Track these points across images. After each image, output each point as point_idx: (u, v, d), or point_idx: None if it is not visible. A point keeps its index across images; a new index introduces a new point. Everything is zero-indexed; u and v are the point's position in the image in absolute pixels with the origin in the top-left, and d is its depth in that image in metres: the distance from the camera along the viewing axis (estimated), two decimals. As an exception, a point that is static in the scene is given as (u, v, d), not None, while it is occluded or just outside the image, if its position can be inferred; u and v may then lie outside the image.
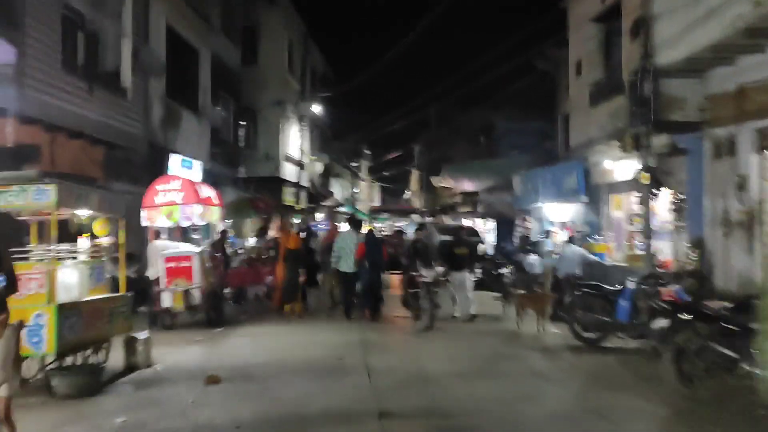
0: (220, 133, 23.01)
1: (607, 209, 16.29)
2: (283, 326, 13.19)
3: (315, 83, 33.21)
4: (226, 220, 21.45)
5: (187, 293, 12.65)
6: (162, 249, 13.13)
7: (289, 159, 28.80)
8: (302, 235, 17.77)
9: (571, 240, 15.35)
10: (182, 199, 12.77)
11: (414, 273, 13.31)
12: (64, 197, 7.73)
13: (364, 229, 17.72)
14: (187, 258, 12.78)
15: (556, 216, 19.22)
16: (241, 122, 26.50)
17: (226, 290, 15.81)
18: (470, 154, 34.06)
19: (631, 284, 10.13)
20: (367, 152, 48.53)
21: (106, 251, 9.16)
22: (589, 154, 15.98)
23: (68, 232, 9.57)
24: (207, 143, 21.33)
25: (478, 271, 25.06)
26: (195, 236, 15.24)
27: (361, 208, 46.68)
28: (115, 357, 9.12)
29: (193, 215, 12.83)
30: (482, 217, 29.65)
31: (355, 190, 45.18)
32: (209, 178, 18.66)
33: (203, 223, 13.39)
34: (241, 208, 19.96)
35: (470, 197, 30.83)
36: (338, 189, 42.01)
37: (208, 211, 13.33)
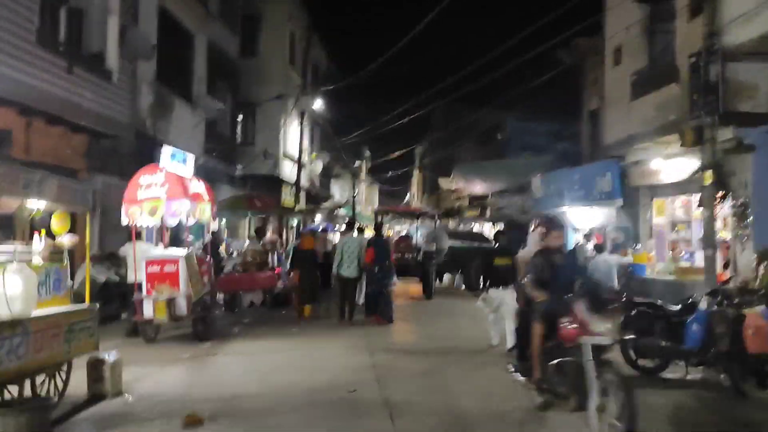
0: (215, 126, 21.17)
1: (647, 214, 14.49)
2: (281, 341, 11.34)
3: (317, 79, 31.36)
4: (219, 220, 19.63)
5: (171, 302, 10.78)
6: (144, 251, 11.32)
7: (288, 157, 26.94)
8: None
9: (600, 248, 13.54)
10: (167, 193, 10.90)
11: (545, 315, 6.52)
12: (4, 184, 5.90)
13: (368, 233, 16.30)
14: (173, 262, 10.92)
15: (582, 221, 17.40)
16: (238, 117, 24.66)
17: (218, 296, 14.01)
18: (478, 155, 32.30)
19: (703, 304, 8.27)
20: (367, 153, 46.62)
21: (63, 252, 7.27)
22: (628, 152, 14.18)
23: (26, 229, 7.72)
24: (201, 136, 19.49)
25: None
26: (187, 238, 13.33)
27: (361, 210, 44.84)
28: (79, 382, 7.30)
29: (180, 212, 10.95)
30: (491, 222, 27.89)
31: (354, 192, 43.26)
32: (203, 173, 16.77)
33: (192, 221, 11.54)
34: (237, 206, 18.07)
35: (479, 200, 29.06)
36: (337, 190, 40.15)
37: (197, 208, 11.46)
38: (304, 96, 27.26)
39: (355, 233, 14.84)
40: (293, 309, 15.35)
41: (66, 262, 7.36)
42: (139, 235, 12.10)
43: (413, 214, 22.55)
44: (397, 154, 37.81)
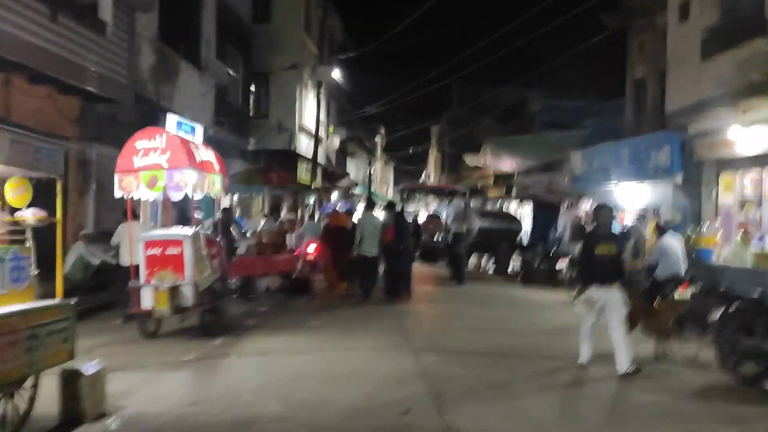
0: (226, 96, 19.18)
1: (711, 192, 12.50)
2: (304, 337, 9.48)
3: (333, 51, 29.30)
4: (232, 195, 17.73)
5: (174, 291, 8.94)
6: (141, 231, 9.49)
7: (304, 131, 24.98)
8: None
9: (664, 229, 11.55)
10: (169, 161, 9.01)
11: None
12: None
13: (388, 212, 14.67)
14: (176, 243, 9.05)
15: (632, 200, 15.42)
16: (251, 87, 22.66)
17: (231, 281, 12.20)
18: (501, 132, 30.32)
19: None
20: (382, 131, 44.54)
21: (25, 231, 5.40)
22: (691, 122, 12.17)
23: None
24: (211, 105, 17.55)
25: (516, 263, 21.58)
26: (194, 215, 11.45)
27: (376, 189, 42.96)
28: (50, 401, 5.49)
29: (186, 185, 9.05)
30: (518, 200, 25.86)
31: (370, 171, 41.34)
32: (212, 147, 14.93)
33: (200, 195, 9.65)
34: (252, 180, 16.10)
35: (504, 179, 27.05)
36: (353, 169, 38.23)
37: (206, 180, 9.57)
38: (321, 66, 25.19)
39: (377, 212, 14.52)
40: (313, 296, 13.61)
41: (30, 244, 5.49)
42: (135, 213, 10.24)
43: (443, 192, 20.56)
44: (414, 129, 35.90)
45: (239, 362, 7.96)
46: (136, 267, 9.12)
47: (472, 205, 19.24)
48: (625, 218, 16.44)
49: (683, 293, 10.81)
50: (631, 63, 17.72)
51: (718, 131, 11.45)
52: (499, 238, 20.43)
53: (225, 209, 13.35)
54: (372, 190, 40.78)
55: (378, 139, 44.36)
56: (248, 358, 8.12)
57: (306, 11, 24.85)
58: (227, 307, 10.34)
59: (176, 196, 9.54)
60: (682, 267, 11.00)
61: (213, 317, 9.55)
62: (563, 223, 22.16)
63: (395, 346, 8.77)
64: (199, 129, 14.53)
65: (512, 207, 26.40)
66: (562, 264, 16.60)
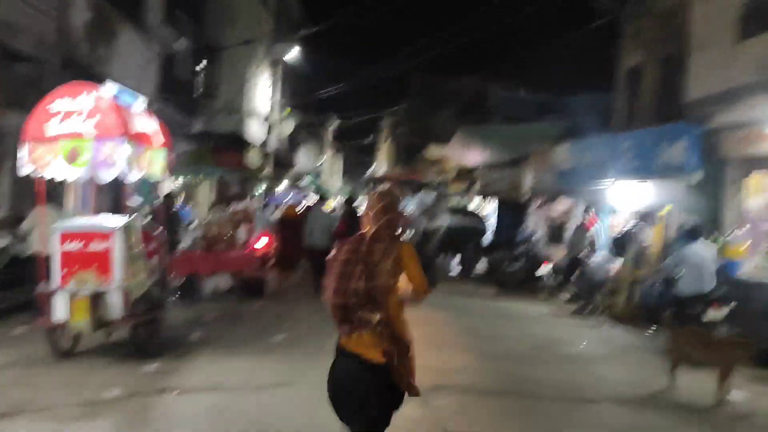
0: (173, 69, 16.74)
1: (736, 194, 10.82)
2: (266, 359, 7.35)
3: (290, 30, 26.90)
4: (176, 179, 15.31)
5: (98, 299, 6.70)
6: (56, 219, 7.21)
7: (255, 114, 22.60)
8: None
9: (693, 235, 9.80)
10: (97, 128, 6.73)
11: None
12: None
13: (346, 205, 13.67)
14: (102, 236, 6.82)
15: (628, 200, 13.70)
16: (201, 62, 20.15)
17: (172, 282, 10.00)
18: (460, 125, 28.56)
19: None
20: (335, 121, 42.15)
21: None
22: (724, 110, 10.44)
23: None
24: (155, 77, 15.12)
25: (482, 265, 19.78)
26: (126, 200, 9.12)
27: (325, 180, 40.68)
28: None
29: (117, 160, 6.78)
30: (482, 196, 24.10)
31: (320, 161, 39.03)
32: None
33: (137, 176, 7.39)
34: (201, 160, 13.71)
35: (467, 174, 25.21)
36: (303, 158, 35.79)
37: (145, 156, 7.32)
38: (278, 44, 22.80)
39: (326, 205, 13.76)
40: (269, 297, 11.51)
41: None
42: (51, 194, 7.91)
43: (414, 183, 18.51)
44: (367, 117, 33.78)
45: (181, 403, 5.77)
46: (48, 263, 6.83)
47: (439, 199, 17.16)
48: (620, 221, 14.80)
49: (715, 314, 9.15)
50: (624, 51, 16.02)
51: (753, 124, 9.73)
52: (465, 237, 18.56)
53: (167, 195, 11.07)
54: (322, 180, 38.54)
55: (330, 128, 42.04)
56: (193, 396, 5.94)
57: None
58: (166, 316, 8.10)
59: (105, 176, 7.25)
60: (711, 282, 9.30)
61: (148, 332, 7.32)
62: (533, 223, 20.49)
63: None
64: (141, 101, 12.06)
65: (474, 204, 24.66)
66: (543, 269, 14.82)
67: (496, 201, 22.91)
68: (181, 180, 16.17)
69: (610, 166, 13.27)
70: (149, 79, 14.54)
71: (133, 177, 7.43)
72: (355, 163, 52.33)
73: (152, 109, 11.34)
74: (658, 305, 10.53)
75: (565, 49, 23.41)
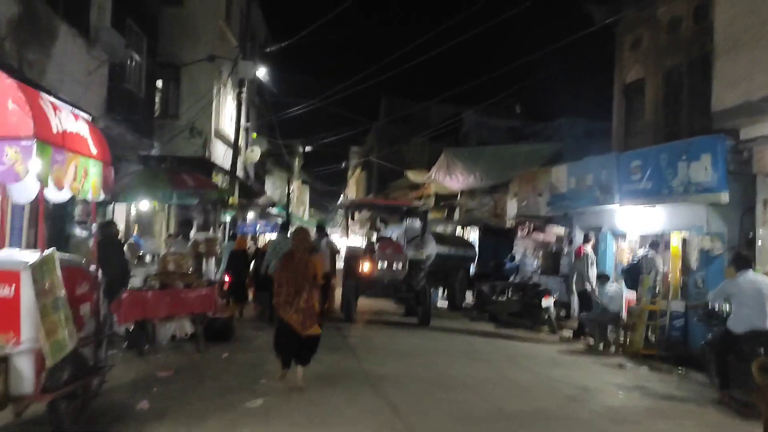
0: (125, 83, 14.68)
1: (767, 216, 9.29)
2: (241, 428, 5.37)
3: (255, 48, 25.08)
4: (128, 204, 13.21)
5: (1, 366, 4.66)
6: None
7: (221, 137, 20.58)
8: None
9: (745, 262, 8.17)
10: (-4, 125, 4.74)
11: None
12: None
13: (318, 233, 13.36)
14: (7, 278, 4.77)
15: (637, 224, 12.12)
16: (157, 81, 18.12)
17: (118, 327, 8.01)
18: (433, 150, 27.01)
19: None
20: (302, 150, 40.24)
21: None
22: (759, 122, 8.91)
23: None
24: (102, 90, 13.07)
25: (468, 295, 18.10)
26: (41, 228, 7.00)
27: (293, 210, 38.63)
28: None
29: (23, 170, 4.74)
30: (461, 226, 22.48)
31: (288, 190, 36.99)
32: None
33: (61, 195, 5.39)
34: (155, 183, 11.58)
35: (446, 201, 23.55)
36: (270, 186, 33.78)
37: (71, 167, 5.32)
38: (243, 62, 20.88)
39: (283, 233, 12.95)
40: (238, 343, 9.55)
41: None
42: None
43: (399, 209, 16.62)
44: (337, 142, 32.01)
45: None
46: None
47: (426, 228, 15.36)
48: (627, 248, 13.19)
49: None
50: (620, 64, 14.52)
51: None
52: (454, 266, 16.79)
53: (105, 224, 8.95)
54: (291, 209, 36.51)
55: (297, 156, 40.13)
56: None
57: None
58: (105, 379, 6.04)
59: (16, 193, 5.23)
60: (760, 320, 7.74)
61: (74, 407, 5.27)
62: (521, 251, 18.90)
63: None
64: (84, 118, 9.92)
65: (455, 232, 23.01)
66: (546, 302, 13.08)
67: (477, 229, 21.40)
68: (133, 209, 14.03)
69: (616, 188, 11.75)
70: (94, 91, 12.49)
71: (56, 196, 5.44)
72: (323, 192, 50.36)
73: (97, 126, 9.45)
74: (702, 344, 8.94)
75: (555, 70, 22.12)
